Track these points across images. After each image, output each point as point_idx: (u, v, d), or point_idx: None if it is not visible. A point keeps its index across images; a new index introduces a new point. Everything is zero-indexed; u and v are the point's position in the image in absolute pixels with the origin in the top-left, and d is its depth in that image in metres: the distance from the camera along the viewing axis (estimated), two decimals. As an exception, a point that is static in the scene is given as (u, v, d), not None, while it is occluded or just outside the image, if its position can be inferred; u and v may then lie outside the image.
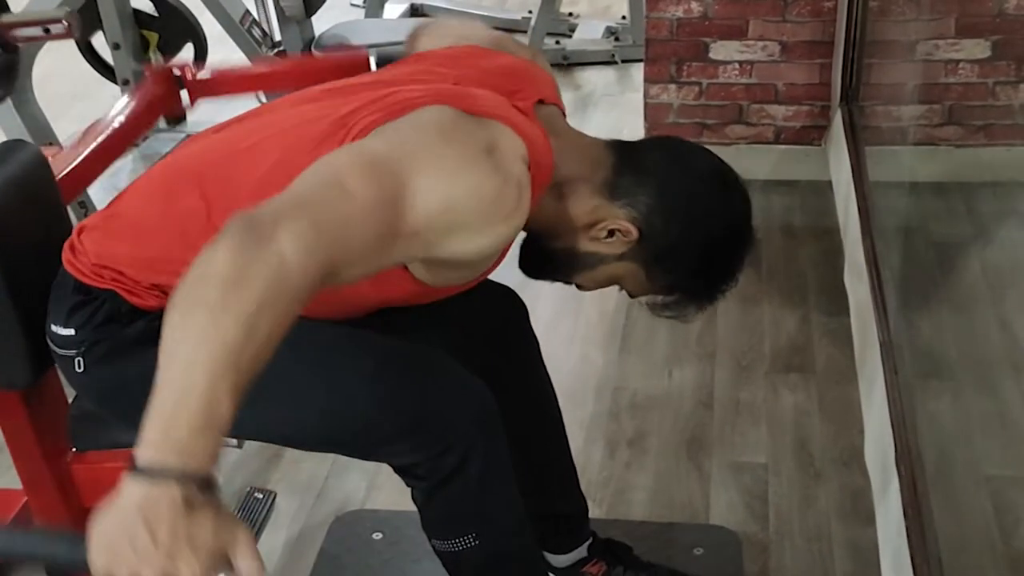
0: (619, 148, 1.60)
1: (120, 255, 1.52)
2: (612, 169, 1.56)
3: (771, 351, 2.88)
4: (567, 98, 4.65)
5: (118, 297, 1.52)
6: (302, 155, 1.41)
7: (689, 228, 1.55)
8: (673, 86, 3.68)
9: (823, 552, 2.25)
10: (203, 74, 2.32)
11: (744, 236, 1.61)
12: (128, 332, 1.53)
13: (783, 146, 3.68)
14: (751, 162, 3.68)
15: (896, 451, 2.06)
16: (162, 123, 2.94)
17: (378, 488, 2.42)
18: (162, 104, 2.31)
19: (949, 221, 3.31)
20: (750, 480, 2.44)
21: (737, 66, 3.61)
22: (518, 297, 1.88)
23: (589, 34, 5.03)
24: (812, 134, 3.66)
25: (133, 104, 2.24)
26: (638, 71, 4.84)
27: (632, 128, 4.09)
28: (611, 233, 1.54)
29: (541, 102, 1.59)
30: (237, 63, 3.09)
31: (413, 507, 1.63)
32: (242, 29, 3.97)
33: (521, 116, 1.50)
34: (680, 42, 3.62)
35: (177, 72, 2.33)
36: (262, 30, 4.05)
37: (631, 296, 1.68)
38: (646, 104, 3.73)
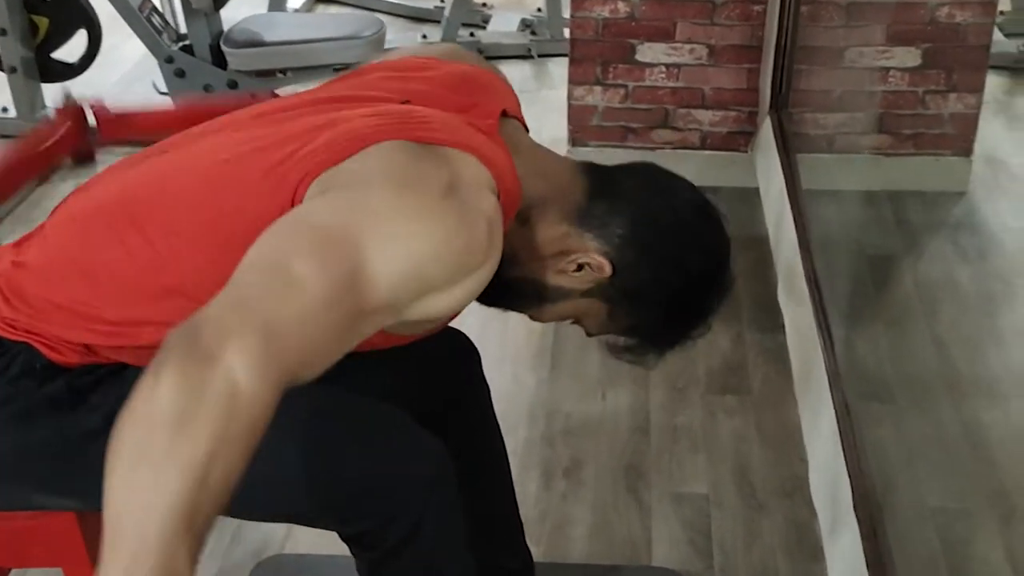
0: (592, 171, 1.46)
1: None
2: (584, 194, 1.42)
3: (706, 372, 2.78)
4: (482, 94, 4.56)
5: (33, 351, 1.34)
6: (236, 200, 1.29)
7: (663, 267, 1.43)
8: (598, 88, 3.56)
9: (771, 592, 2.16)
10: (116, 112, 2.11)
11: (721, 280, 1.48)
12: (45, 391, 1.35)
13: (709, 152, 3.59)
14: (676, 168, 3.51)
15: (853, 496, 1.97)
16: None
17: (300, 528, 2.26)
18: (68, 144, 2.11)
19: (882, 233, 3.25)
20: (691, 513, 2.33)
21: (664, 69, 3.51)
22: (470, 341, 1.74)
23: (503, 26, 4.89)
24: (739, 140, 3.57)
25: (32, 141, 2.03)
26: (555, 66, 4.74)
27: (552, 128, 3.96)
28: (580, 267, 1.41)
29: (504, 114, 1.45)
30: (157, 103, 2.90)
31: (338, 549, 1.49)
32: (140, 17, 3.75)
33: (482, 137, 1.35)
34: (606, 43, 3.50)
35: (89, 110, 2.12)
36: (162, 18, 3.83)
37: (588, 334, 1.54)
38: (570, 105, 3.60)
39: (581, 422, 2.60)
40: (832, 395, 2.25)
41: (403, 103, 1.43)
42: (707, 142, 3.58)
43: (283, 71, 3.08)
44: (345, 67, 3.19)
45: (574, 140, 3.62)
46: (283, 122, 1.39)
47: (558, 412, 2.64)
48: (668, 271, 1.43)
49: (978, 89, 3.33)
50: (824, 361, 2.33)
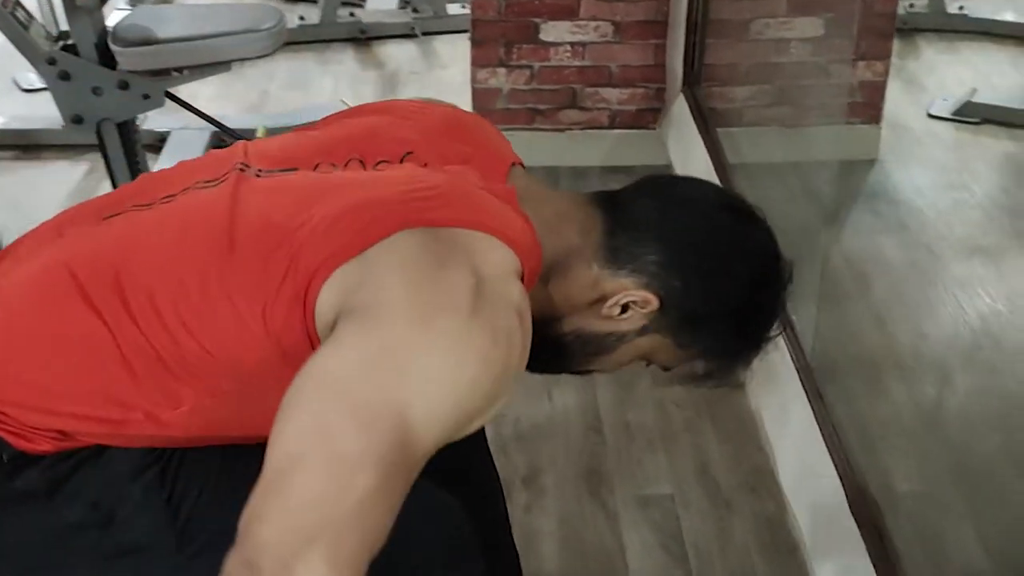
0: (602, 201, 1.35)
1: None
2: (602, 229, 1.31)
3: (650, 367, 2.71)
4: (370, 77, 4.40)
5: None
6: (235, 276, 1.17)
7: (712, 281, 1.31)
8: (502, 70, 3.45)
9: (752, 594, 2.11)
10: None
11: (778, 269, 1.36)
12: (15, 485, 1.20)
13: (618, 131, 3.52)
14: (586, 149, 3.52)
15: (847, 495, 1.93)
16: None
17: None
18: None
19: (803, 206, 3.22)
20: (659, 516, 2.27)
21: (569, 48, 3.42)
22: None
23: (383, 4, 4.71)
24: (647, 118, 3.51)
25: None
26: (442, 44, 4.61)
27: (451, 112, 3.85)
28: (625, 308, 1.30)
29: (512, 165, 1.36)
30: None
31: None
32: (4, 12, 3.47)
33: (496, 204, 1.25)
34: (508, 23, 3.39)
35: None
36: (27, 13, 3.55)
37: (664, 370, 1.42)
38: (474, 89, 3.48)
39: (531, 426, 2.51)
40: (802, 384, 2.21)
41: (406, 155, 1.32)
42: (616, 121, 3.51)
43: (179, 69, 2.88)
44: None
45: (480, 125, 3.50)
46: (288, 179, 1.28)
47: (506, 417, 2.54)
48: (719, 284, 1.31)
49: (885, 56, 3.33)
50: (791, 355, 2.28)
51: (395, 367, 1.07)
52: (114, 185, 3.05)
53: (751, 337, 1.38)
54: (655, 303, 1.29)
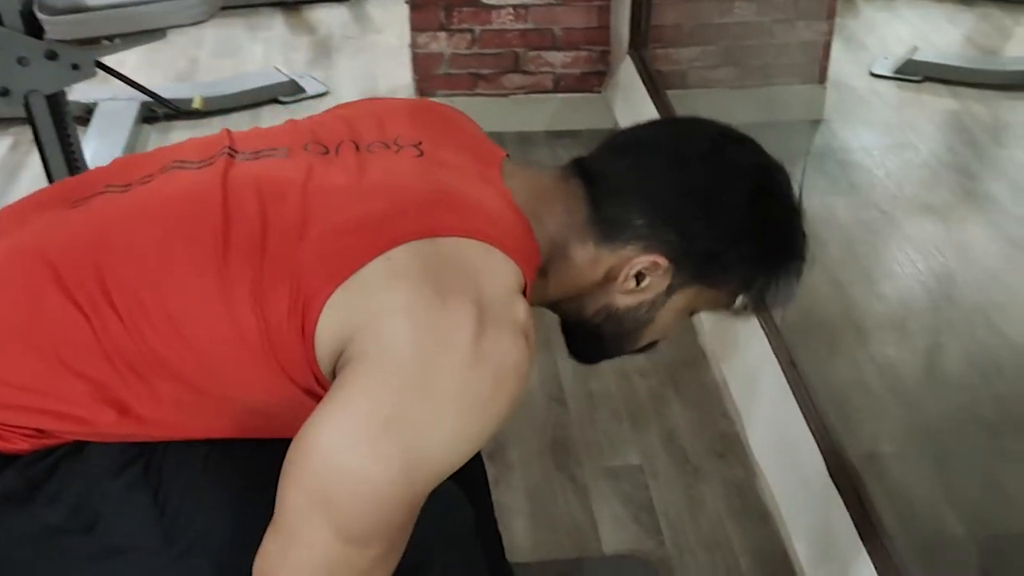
0: (580, 173, 1.26)
1: None
2: (588, 205, 1.24)
3: (609, 331, 2.67)
4: (302, 43, 4.28)
5: None
6: (216, 284, 1.10)
7: (707, 214, 1.22)
8: (443, 34, 3.37)
9: (728, 562, 2.08)
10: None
11: (772, 176, 1.27)
12: None
13: (563, 95, 3.47)
14: (530, 113, 3.46)
15: (827, 462, 1.91)
16: None
17: None
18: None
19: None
20: (629, 487, 2.24)
21: (511, 11, 3.34)
22: None
23: (310, -33, 4.60)
24: (592, 81, 3.46)
25: None
26: (374, 8, 4.51)
27: (389, 77, 3.77)
28: (640, 276, 1.24)
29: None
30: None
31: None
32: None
33: (497, 205, 1.19)
34: (449, -15, 3.31)
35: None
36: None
37: (716, 312, 1.34)
38: (415, 55, 3.40)
39: (493, 399, 2.45)
40: (777, 360, 2.19)
41: (398, 138, 1.26)
42: (560, 84, 3.45)
43: (110, 38, 2.75)
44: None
45: (421, 91, 3.42)
46: (281, 167, 1.20)
47: (467, 390, 2.49)
48: (716, 216, 1.22)
49: (830, 15, 3.31)
50: (760, 322, 2.26)
51: (400, 439, 1.05)
52: (44, 159, 2.92)
53: (782, 249, 1.27)
54: (663, 262, 1.22)
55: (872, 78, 3.59)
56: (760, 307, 1.32)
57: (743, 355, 2.37)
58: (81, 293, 1.09)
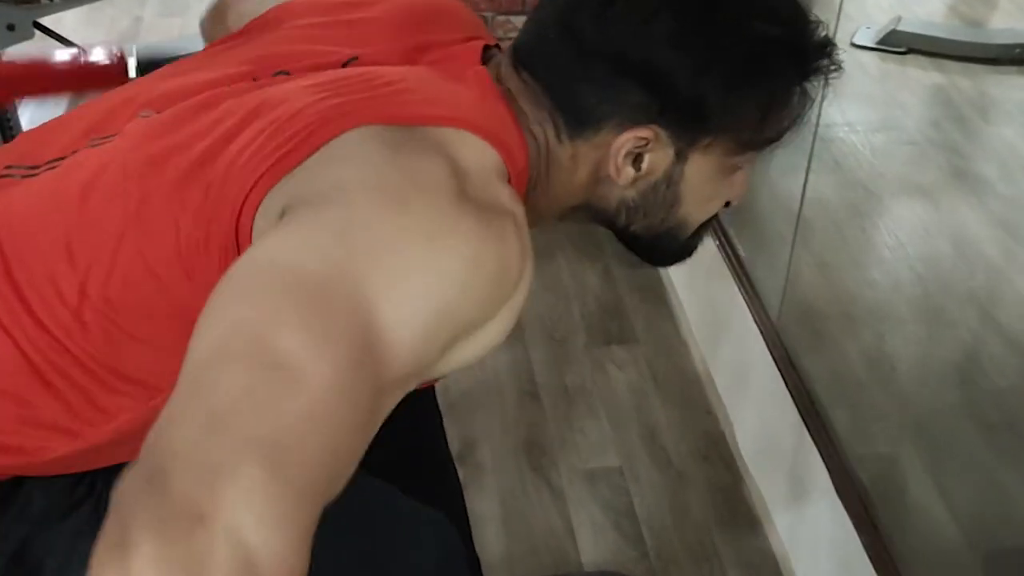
0: (524, 62, 1.03)
1: None
2: (546, 96, 1.00)
3: (582, 317, 2.51)
4: (253, 2, 4.06)
5: None
6: (141, 232, 0.92)
7: (677, 48, 0.96)
8: None
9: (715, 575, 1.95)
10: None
11: None
12: None
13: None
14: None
15: (833, 482, 1.77)
16: None
17: None
18: None
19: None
20: (608, 491, 2.09)
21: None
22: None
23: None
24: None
25: None
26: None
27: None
28: (637, 158, 1.01)
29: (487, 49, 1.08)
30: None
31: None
32: None
33: (469, 95, 0.99)
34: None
35: None
36: None
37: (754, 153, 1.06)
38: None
39: (462, 392, 2.29)
40: (766, 344, 2.04)
41: (348, 63, 1.06)
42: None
43: (50, -4, 2.55)
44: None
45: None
46: (190, 113, 0.99)
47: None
48: (689, 47, 0.97)
49: (812, -17, 3.14)
50: (756, 321, 2.11)
51: (357, 248, 0.81)
52: (-25, 127, 2.71)
53: (795, 67, 1.01)
54: (648, 132, 0.99)
55: (854, 49, 3.43)
56: (787, 137, 1.07)
57: (729, 344, 2.22)
58: None
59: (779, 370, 1.99)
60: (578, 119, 1.00)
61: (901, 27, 3.42)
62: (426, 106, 0.95)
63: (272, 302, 0.77)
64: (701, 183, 1.04)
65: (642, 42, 0.97)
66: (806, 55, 1.01)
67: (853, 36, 3.46)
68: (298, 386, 0.73)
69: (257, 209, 0.87)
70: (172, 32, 3.70)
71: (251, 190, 0.87)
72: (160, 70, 1.16)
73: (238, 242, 0.88)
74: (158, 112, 1.02)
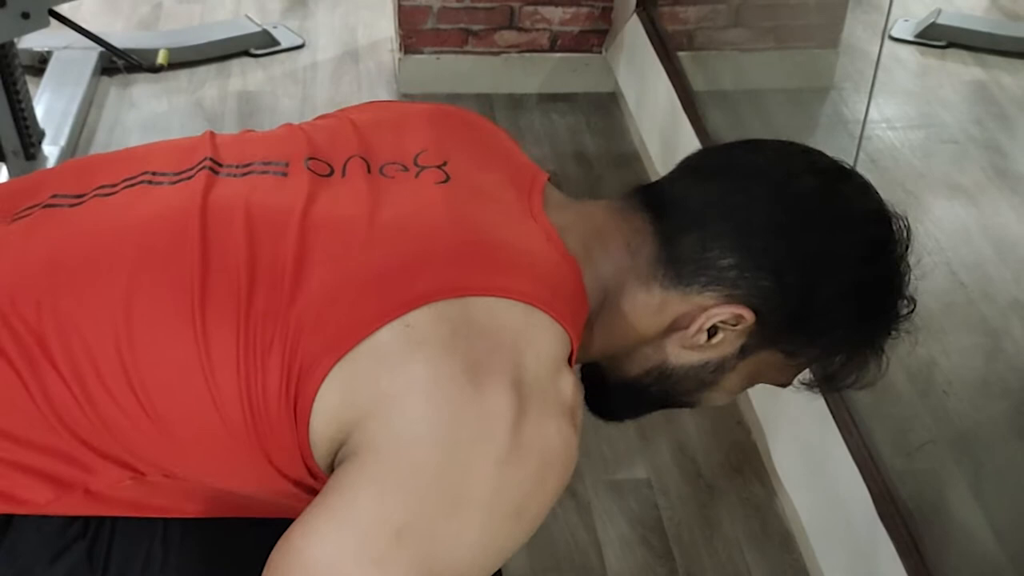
0: (647, 202, 1.02)
1: None
2: (656, 240, 1.00)
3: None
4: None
5: None
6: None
7: (812, 264, 0.99)
8: (432, -15, 3.09)
9: (748, 596, 1.87)
10: None
11: (889, 228, 1.03)
12: None
13: (560, 55, 3.19)
14: (523, 74, 3.20)
15: (873, 498, 1.68)
16: None
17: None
18: None
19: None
20: (637, 505, 2.01)
21: (506, -39, 3.07)
22: None
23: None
24: (592, 40, 3.19)
25: None
26: (354, -46, 4.20)
27: (371, 30, 3.49)
28: (713, 331, 1.00)
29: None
30: None
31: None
32: None
33: (542, 249, 0.97)
34: (438, -68, 3.03)
35: None
36: None
37: (783, 386, 1.12)
38: (400, 7, 3.11)
39: (484, 399, 2.22)
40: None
41: (419, 154, 1.02)
42: (557, 44, 3.18)
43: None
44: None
45: (406, 47, 3.14)
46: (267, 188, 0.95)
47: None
48: (821, 269, 0.99)
49: (850, -27, 3.05)
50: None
51: (415, 557, 0.83)
52: (-11, 116, 2.65)
53: (878, 320, 1.06)
54: (749, 316, 0.98)
55: (891, 42, 3.32)
56: (838, 385, 1.09)
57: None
58: (12, 341, 0.85)
59: (840, 430, 1.89)
60: (688, 274, 0.99)
61: (941, 20, 3.32)
62: (501, 274, 0.91)
63: None
64: (739, 380, 1.06)
65: (797, 252, 0.98)
66: (896, 316, 1.06)
67: (891, 29, 3.36)
68: None
69: (323, 378, 0.85)
70: (192, 19, 3.62)
71: (319, 355, 0.85)
72: (228, 137, 1.10)
73: (297, 395, 0.86)
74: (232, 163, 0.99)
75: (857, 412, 1.85)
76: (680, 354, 1.02)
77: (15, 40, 2.71)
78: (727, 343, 1.01)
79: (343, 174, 0.98)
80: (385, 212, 0.94)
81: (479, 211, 0.96)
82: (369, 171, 0.99)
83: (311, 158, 0.99)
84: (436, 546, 0.83)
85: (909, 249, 1.04)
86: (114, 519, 0.95)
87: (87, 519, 0.94)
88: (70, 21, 2.65)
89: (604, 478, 2.06)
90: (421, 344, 0.85)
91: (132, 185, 0.96)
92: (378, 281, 0.87)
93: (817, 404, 1.91)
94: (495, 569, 0.87)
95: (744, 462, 2.10)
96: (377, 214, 0.93)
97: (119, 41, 2.91)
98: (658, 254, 0.99)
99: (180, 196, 0.94)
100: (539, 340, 0.89)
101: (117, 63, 3.20)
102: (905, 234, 1.03)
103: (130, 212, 0.94)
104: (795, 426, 2.01)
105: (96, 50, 3.17)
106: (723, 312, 0.98)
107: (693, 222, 1.00)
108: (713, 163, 1.08)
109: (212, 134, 1.04)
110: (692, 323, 0.99)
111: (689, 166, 1.07)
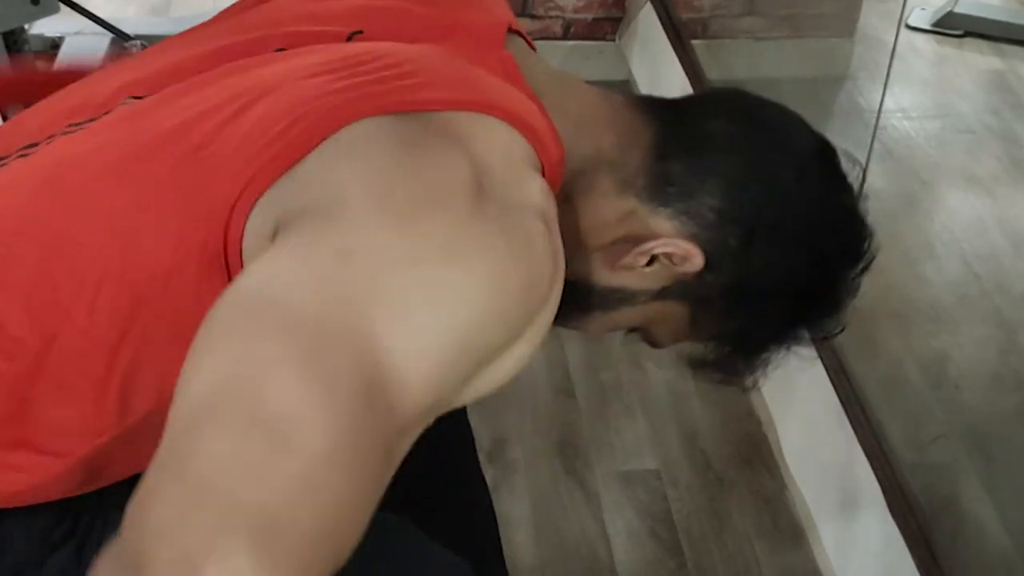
0: (658, 110, 0.98)
1: None
2: (651, 148, 0.95)
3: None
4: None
5: None
6: (125, 242, 0.81)
7: (783, 246, 0.96)
8: (444, -28, 3.07)
9: (757, 589, 1.86)
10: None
11: (863, 247, 1.01)
12: None
13: (573, 42, 3.17)
14: (536, 61, 3.17)
15: (884, 491, 1.67)
16: None
17: None
18: None
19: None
20: (645, 495, 2.00)
21: (517, -53, 3.04)
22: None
23: None
24: (605, 28, 3.17)
25: None
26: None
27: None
28: (652, 259, 0.95)
29: (508, 30, 1.00)
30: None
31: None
32: None
33: (492, 80, 0.90)
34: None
35: None
36: None
37: (653, 345, 1.07)
38: (412, -6, 3.09)
39: (494, 389, 2.20)
40: (813, 343, 1.93)
41: (352, 36, 0.96)
42: (571, 31, 3.16)
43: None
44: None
45: (418, 33, 3.13)
46: (177, 97, 0.90)
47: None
48: (789, 255, 0.96)
49: (866, -39, 3.02)
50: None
51: (359, 278, 0.71)
52: (-1, 102, 2.64)
53: (790, 330, 1.03)
54: (699, 262, 0.94)
55: (908, 31, 3.29)
56: (705, 371, 1.06)
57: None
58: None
59: (826, 371, 1.88)
60: (668, 195, 0.94)
61: (958, 9, 3.29)
62: (441, 89, 0.85)
63: (262, 348, 0.67)
64: (635, 318, 1.01)
65: (767, 220, 0.95)
66: (840, 308, 1.03)
67: (907, 17, 3.33)
68: (292, 448, 0.63)
69: (248, 216, 0.78)
70: (204, 5, 3.61)
71: (241, 193, 0.78)
72: (147, 49, 1.07)
73: (226, 254, 0.79)
74: (143, 95, 0.93)
75: (869, 405, 1.83)
76: (601, 272, 0.96)
77: (26, 26, 2.70)
78: (654, 277, 0.96)
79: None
80: (298, 62, 0.89)
81: (417, 50, 0.91)
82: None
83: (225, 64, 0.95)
84: (376, 294, 0.71)
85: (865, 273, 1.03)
86: (103, 518, 0.92)
87: (76, 518, 0.91)
88: (81, 7, 2.64)
89: (613, 468, 2.04)
90: (354, 140, 0.79)
91: (51, 139, 0.92)
92: (297, 110, 0.81)
93: (828, 397, 1.89)
94: (451, 366, 0.73)
95: (754, 454, 2.08)
96: (289, 64, 0.89)
97: (130, 27, 2.90)
98: (647, 162, 0.94)
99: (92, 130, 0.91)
100: (496, 137, 0.83)
101: (129, 49, 3.19)
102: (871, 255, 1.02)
103: (45, 161, 0.90)
104: (806, 419, 2.00)
105: (107, 36, 3.16)
106: (678, 246, 0.93)
107: (695, 149, 0.95)
108: (741, 108, 1.02)
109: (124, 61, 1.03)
110: (640, 244, 0.94)
111: (713, 97, 1.04)
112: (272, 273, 0.72)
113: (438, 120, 0.82)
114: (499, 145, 0.83)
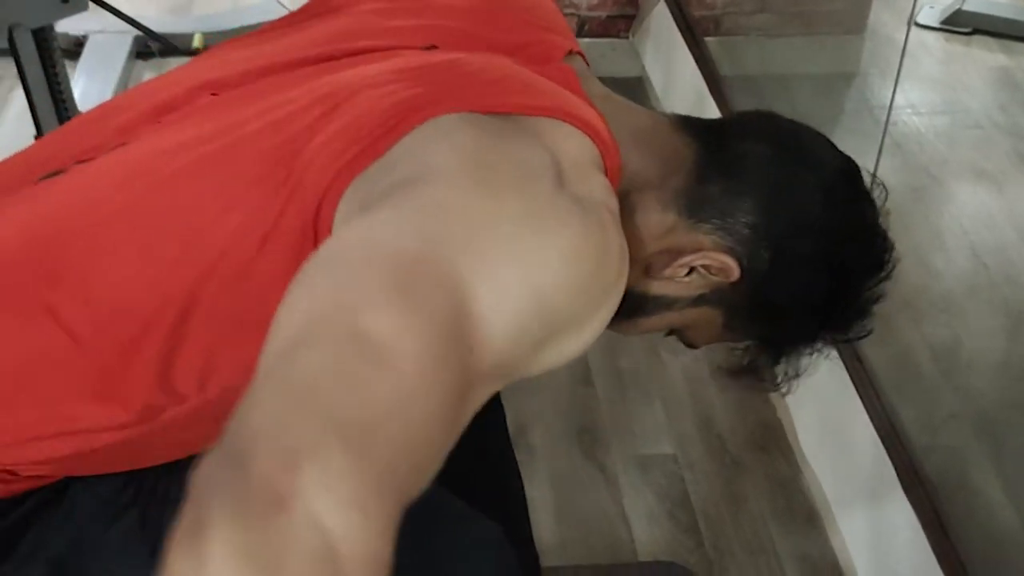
0: (697, 132, 1.05)
1: None
2: (693, 167, 1.01)
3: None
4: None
5: None
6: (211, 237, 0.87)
7: (810, 263, 1.03)
8: (461, -30, 3.12)
9: (772, 569, 1.91)
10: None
11: (886, 267, 1.08)
12: None
13: (588, 40, 3.22)
14: (552, 58, 3.22)
15: (898, 474, 1.72)
16: None
17: None
18: None
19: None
20: (663, 479, 2.05)
21: (535, -54, 3.09)
22: None
23: None
24: (619, 25, 3.22)
25: None
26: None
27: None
28: (691, 270, 1.02)
29: (569, 53, 1.07)
30: None
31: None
32: None
33: (565, 93, 0.95)
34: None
35: None
36: None
37: (689, 346, 1.14)
38: (430, -8, 3.15)
39: (514, 376, 2.26)
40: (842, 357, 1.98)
41: (428, 49, 1.02)
42: (585, 28, 3.21)
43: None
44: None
45: (435, 31, 3.18)
46: (257, 96, 0.96)
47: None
48: (816, 271, 1.03)
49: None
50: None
51: (453, 228, 0.77)
52: (29, 97, 2.70)
53: (826, 332, 1.10)
54: (734, 273, 1.00)
55: (916, 28, 3.34)
56: (735, 376, 1.15)
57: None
58: (44, 300, 0.88)
59: (840, 358, 1.93)
60: (706, 211, 1.01)
61: (966, 7, 3.34)
62: (520, 95, 0.91)
63: (361, 280, 0.72)
64: (668, 320, 1.07)
65: (811, 243, 1.02)
66: (864, 319, 1.09)
67: (917, 15, 3.39)
68: (386, 366, 0.67)
69: (337, 206, 0.83)
70: (226, 3, 3.67)
71: (331, 183, 0.83)
72: (219, 47, 1.13)
73: (316, 235, 0.84)
74: (219, 93, 0.99)
75: (882, 391, 1.89)
76: (644, 281, 1.02)
77: (53, 24, 2.76)
78: (692, 286, 1.02)
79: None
80: (381, 65, 0.95)
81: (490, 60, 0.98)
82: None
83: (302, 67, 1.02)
84: (467, 240, 0.76)
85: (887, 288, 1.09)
86: (166, 488, 0.96)
87: (139, 484, 0.96)
88: (108, 5, 2.70)
89: (631, 452, 2.10)
90: (439, 130, 0.85)
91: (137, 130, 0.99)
92: (386, 111, 0.87)
93: (843, 382, 1.95)
94: (526, 322, 0.77)
95: (769, 439, 2.14)
96: (376, 69, 0.95)
97: (154, 25, 2.96)
98: (689, 183, 1.01)
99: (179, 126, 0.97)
100: (568, 140, 0.89)
101: (152, 47, 3.25)
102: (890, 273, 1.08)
103: (133, 157, 0.95)
104: (820, 403, 2.05)
105: (131, 34, 3.21)
106: (716, 259, 1.00)
107: (732, 171, 1.02)
108: (773, 126, 1.08)
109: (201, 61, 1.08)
110: (680, 256, 1.00)
111: (748, 120, 1.09)
112: (371, 223, 0.78)
113: (517, 120, 0.89)
114: (572, 146, 0.89)
